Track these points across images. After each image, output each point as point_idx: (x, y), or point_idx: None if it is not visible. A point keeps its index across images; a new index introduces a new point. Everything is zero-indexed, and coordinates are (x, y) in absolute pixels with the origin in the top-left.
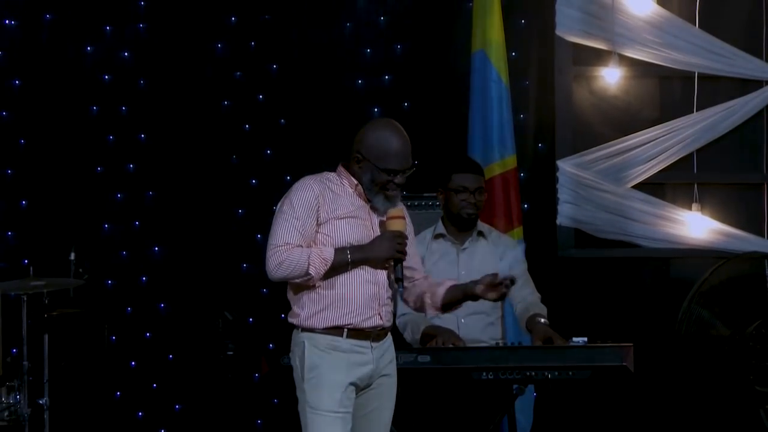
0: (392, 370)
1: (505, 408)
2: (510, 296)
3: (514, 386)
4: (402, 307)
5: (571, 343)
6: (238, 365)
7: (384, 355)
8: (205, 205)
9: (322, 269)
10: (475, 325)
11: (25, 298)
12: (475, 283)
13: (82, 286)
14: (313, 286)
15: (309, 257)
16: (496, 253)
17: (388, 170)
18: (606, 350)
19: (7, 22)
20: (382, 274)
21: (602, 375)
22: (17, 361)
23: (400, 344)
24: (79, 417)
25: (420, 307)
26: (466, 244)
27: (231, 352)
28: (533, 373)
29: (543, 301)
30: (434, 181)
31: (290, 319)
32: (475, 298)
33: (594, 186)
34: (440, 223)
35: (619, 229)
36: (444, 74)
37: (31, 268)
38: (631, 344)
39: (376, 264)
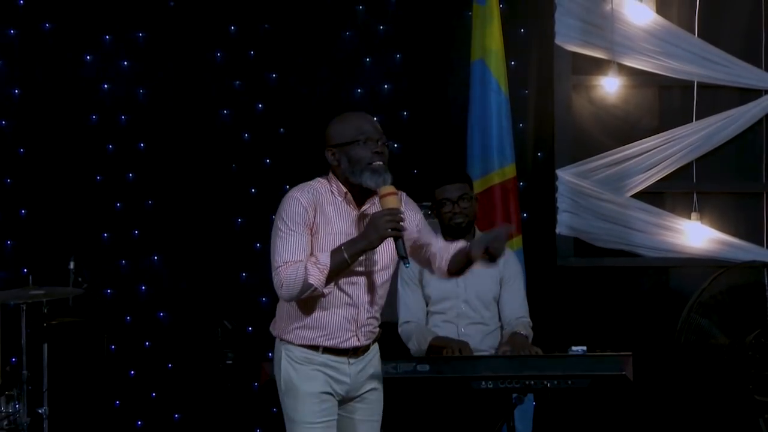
0: (377, 383)
1: (505, 417)
2: (500, 305)
3: (513, 395)
4: (404, 315)
5: (571, 352)
6: (238, 374)
7: (365, 369)
8: (205, 214)
9: (322, 276)
10: (475, 335)
11: (25, 307)
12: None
13: (81, 295)
14: (294, 305)
15: (306, 269)
16: (496, 265)
17: (359, 141)
18: (605, 359)
19: (6, 30)
20: (362, 296)
21: (601, 384)
22: (16, 370)
23: (401, 353)
24: (78, 426)
25: (427, 267)
26: None
27: (230, 361)
28: (532, 382)
29: (542, 309)
30: (429, 196)
31: (270, 328)
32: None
33: (593, 195)
34: (439, 233)
35: (618, 238)
36: (443, 83)
37: (31, 277)
38: (631, 353)
39: (374, 250)
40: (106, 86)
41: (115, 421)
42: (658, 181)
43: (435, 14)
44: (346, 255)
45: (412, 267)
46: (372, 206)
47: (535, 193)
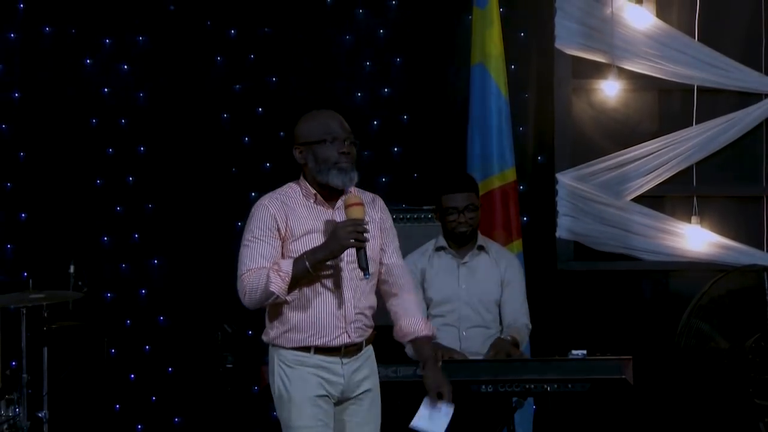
0: (373, 384)
1: (505, 421)
2: (501, 308)
3: (514, 399)
4: None
5: (571, 356)
6: (238, 378)
7: (359, 369)
8: (205, 218)
9: (283, 284)
10: (476, 338)
11: (25, 311)
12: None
13: (81, 298)
14: (280, 308)
15: (268, 276)
16: (497, 269)
17: (326, 140)
18: (605, 363)
19: (6, 34)
20: (349, 293)
21: (601, 387)
22: (16, 373)
23: (400, 357)
24: (78, 430)
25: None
26: (467, 258)
27: (230, 365)
28: (532, 386)
29: (542, 313)
30: (431, 199)
31: (263, 337)
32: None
33: (593, 199)
34: (441, 236)
35: (618, 242)
36: (443, 87)
37: (31, 281)
38: (631, 357)
39: (337, 259)
40: (106, 90)
41: (115, 425)
42: (658, 184)
43: (435, 18)
44: (308, 263)
45: (413, 269)
46: (342, 203)
47: (535, 197)
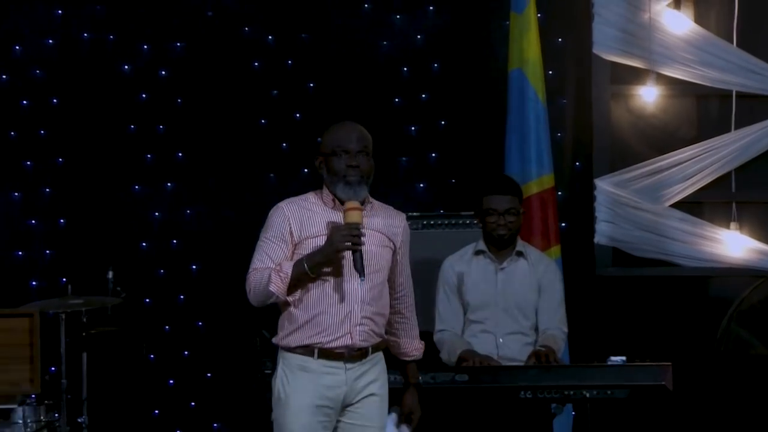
0: (378, 389)
1: (544, 427)
2: (537, 315)
3: (552, 405)
4: (439, 323)
5: (610, 362)
6: None
7: (363, 375)
8: (242, 224)
9: (282, 285)
10: (514, 345)
11: (64, 317)
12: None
13: (120, 304)
14: (290, 308)
15: (269, 276)
16: (535, 274)
17: (337, 153)
18: (644, 369)
19: (45, 41)
20: (355, 295)
21: (641, 394)
22: (56, 379)
23: (437, 363)
24: None
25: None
26: (505, 263)
27: (268, 371)
28: (571, 392)
29: (581, 319)
30: (471, 201)
31: (273, 340)
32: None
33: (632, 205)
34: (482, 240)
35: (657, 248)
36: (481, 92)
37: (70, 287)
38: (670, 363)
39: (334, 262)
40: (144, 95)
41: (154, 430)
42: (696, 190)
43: (472, 23)
44: (306, 266)
45: (450, 273)
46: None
47: (574, 203)
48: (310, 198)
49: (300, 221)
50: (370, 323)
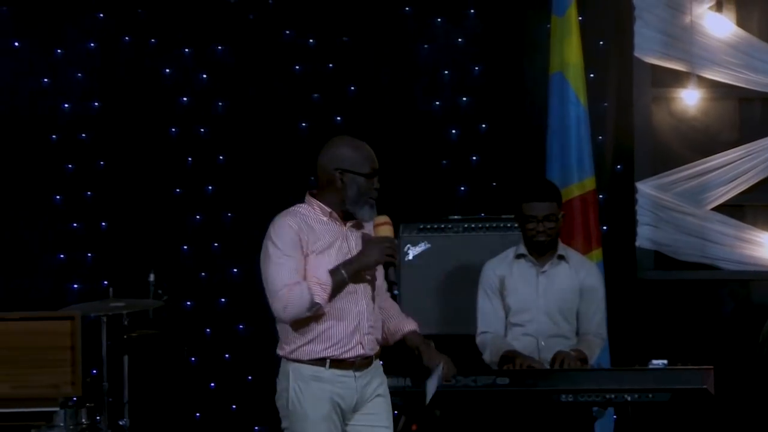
0: (383, 391)
1: (585, 431)
2: (577, 319)
3: (594, 409)
4: (482, 325)
5: (651, 366)
6: None
7: (370, 381)
8: None
9: (326, 295)
10: (555, 348)
11: (105, 320)
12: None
13: (161, 307)
14: (300, 321)
15: (310, 289)
16: (577, 278)
17: (368, 174)
18: (686, 373)
19: (86, 44)
20: (362, 305)
21: (682, 398)
22: (97, 382)
23: (479, 366)
24: None
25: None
26: (546, 267)
27: None
28: (613, 396)
29: (622, 323)
30: (512, 205)
31: (278, 351)
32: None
33: (673, 208)
34: (522, 243)
35: (698, 251)
36: (522, 96)
37: (111, 290)
38: (712, 367)
39: (365, 274)
40: (185, 99)
41: None
42: (738, 193)
43: (513, 26)
44: (345, 274)
45: (491, 276)
46: (356, 222)
47: (615, 206)
48: (303, 212)
49: (308, 235)
50: (374, 332)
